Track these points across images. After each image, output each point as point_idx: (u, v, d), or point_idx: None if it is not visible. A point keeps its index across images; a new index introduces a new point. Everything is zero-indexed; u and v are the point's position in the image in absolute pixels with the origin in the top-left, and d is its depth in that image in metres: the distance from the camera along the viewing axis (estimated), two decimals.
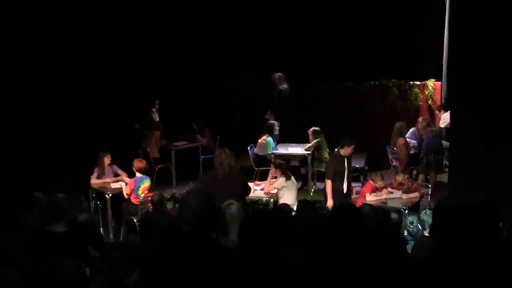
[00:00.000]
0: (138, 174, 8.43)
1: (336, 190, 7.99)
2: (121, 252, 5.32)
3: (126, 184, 8.49)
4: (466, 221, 2.99)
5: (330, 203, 7.86)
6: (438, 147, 9.77)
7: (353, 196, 8.40)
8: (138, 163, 8.48)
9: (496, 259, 2.87)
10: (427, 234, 5.57)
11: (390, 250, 3.88)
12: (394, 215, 5.42)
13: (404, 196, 7.99)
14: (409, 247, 5.01)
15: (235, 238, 4.00)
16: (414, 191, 8.09)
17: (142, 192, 8.34)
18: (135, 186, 8.31)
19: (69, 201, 5.44)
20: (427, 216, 5.74)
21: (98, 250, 5.36)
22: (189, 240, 3.00)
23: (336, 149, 9.96)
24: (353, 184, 8.68)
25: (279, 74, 11.20)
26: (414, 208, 7.84)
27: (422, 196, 8.13)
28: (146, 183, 8.44)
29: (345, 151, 8.00)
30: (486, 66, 6.43)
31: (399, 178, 8.19)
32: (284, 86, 11.11)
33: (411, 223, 5.98)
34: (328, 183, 7.90)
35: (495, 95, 6.36)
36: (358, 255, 3.38)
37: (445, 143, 9.82)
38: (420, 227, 5.81)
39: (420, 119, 10.47)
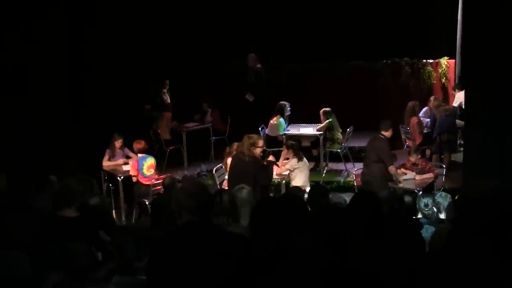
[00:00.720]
0: (140, 155, 8.45)
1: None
2: (132, 236, 5.30)
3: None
4: (484, 211, 2.93)
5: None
6: (451, 126, 9.61)
7: None
8: (136, 145, 8.50)
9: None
10: (442, 217, 5.47)
11: (404, 235, 3.84)
12: (407, 198, 5.33)
13: (418, 177, 7.88)
14: (424, 231, 4.93)
15: (246, 223, 3.96)
16: (428, 172, 7.96)
17: (148, 170, 8.34)
18: (138, 166, 8.33)
19: (81, 185, 5.41)
20: (442, 198, 5.61)
21: (109, 235, 5.36)
22: (193, 227, 2.96)
23: (348, 129, 9.95)
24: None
25: (253, 54, 11.06)
26: (428, 189, 7.73)
27: (436, 177, 7.99)
28: (150, 161, 8.42)
29: (389, 133, 7.96)
30: (502, 44, 6.30)
31: (412, 158, 8.06)
32: (258, 65, 10.99)
33: (426, 205, 5.85)
34: (392, 168, 7.76)
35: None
36: (373, 240, 3.32)
37: (459, 122, 9.67)
38: (435, 209, 5.69)
39: (431, 98, 10.34)
